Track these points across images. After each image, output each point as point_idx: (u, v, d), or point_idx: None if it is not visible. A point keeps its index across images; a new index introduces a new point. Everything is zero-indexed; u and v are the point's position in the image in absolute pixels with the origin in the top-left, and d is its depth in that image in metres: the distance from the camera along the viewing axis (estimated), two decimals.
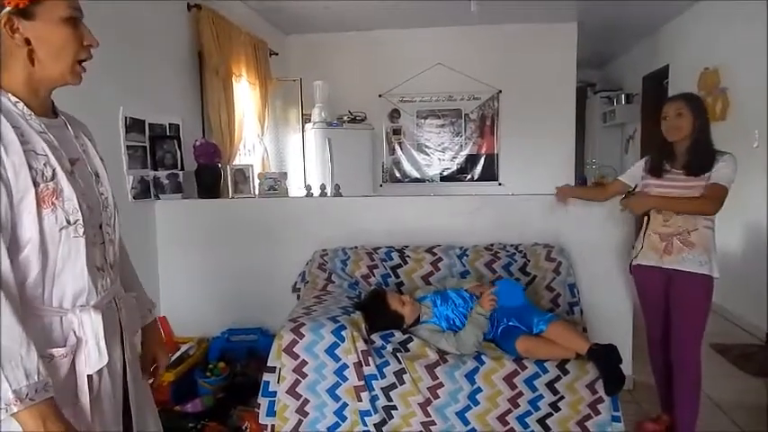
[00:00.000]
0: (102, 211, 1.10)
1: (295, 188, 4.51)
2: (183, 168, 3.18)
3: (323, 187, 3.79)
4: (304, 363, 2.12)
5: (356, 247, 2.90)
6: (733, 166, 2.19)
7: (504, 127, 5.52)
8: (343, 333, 2.12)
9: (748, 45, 3.86)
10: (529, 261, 2.74)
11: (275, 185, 3.33)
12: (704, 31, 4.59)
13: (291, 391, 2.12)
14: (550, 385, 2.08)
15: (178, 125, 3.19)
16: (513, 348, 2.15)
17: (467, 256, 2.78)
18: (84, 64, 1.07)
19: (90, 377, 1.04)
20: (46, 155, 0.99)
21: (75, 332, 1.02)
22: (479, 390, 2.09)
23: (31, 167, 0.96)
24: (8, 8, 0.95)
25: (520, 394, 2.09)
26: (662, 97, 5.40)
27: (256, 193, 3.37)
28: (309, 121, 4.98)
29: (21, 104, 1.00)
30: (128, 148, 2.81)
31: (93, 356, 1.03)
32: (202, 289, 3.12)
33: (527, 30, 5.30)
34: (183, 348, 2.77)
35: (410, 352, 2.18)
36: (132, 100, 2.84)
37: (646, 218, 2.44)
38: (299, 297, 2.83)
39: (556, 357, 2.10)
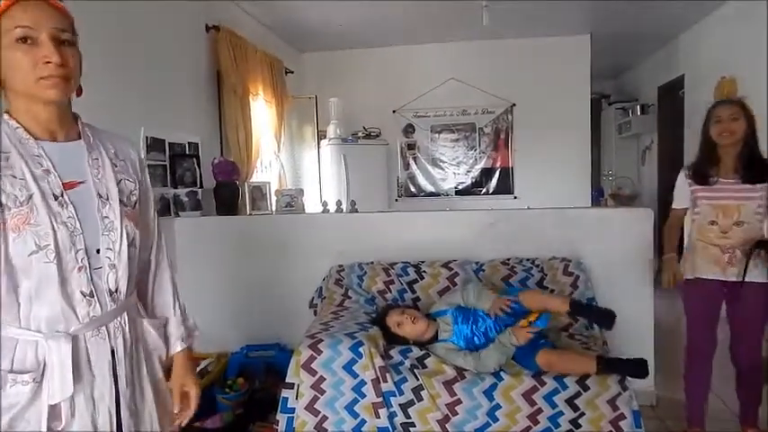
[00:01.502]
0: (103, 236, 1.07)
1: (311, 204, 4.55)
2: (201, 186, 3.23)
3: (339, 203, 3.83)
4: (322, 379, 2.13)
5: (372, 263, 2.91)
6: None
7: (519, 140, 5.53)
8: (361, 349, 2.13)
9: (765, 53, 3.82)
10: (546, 275, 2.72)
11: (292, 202, 3.37)
12: (719, 40, 4.56)
13: (310, 408, 2.13)
14: (570, 401, 2.06)
15: (197, 144, 3.26)
16: (533, 363, 2.13)
17: (483, 270, 2.77)
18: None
19: (57, 407, 1.01)
20: (24, 179, 0.99)
21: (45, 359, 1.00)
22: (498, 406, 2.07)
23: (3, 191, 0.97)
24: None
25: (539, 411, 2.06)
26: (678, 108, 5.37)
27: (274, 209, 3.42)
28: (325, 137, 5.04)
29: (20, 130, 1.03)
30: (149, 166, 2.86)
31: (56, 386, 1.00)
32: (221, 305, 3.15)
33: (540, 43, 5.32)
34: (203, 364, 2.80)
35: (428, 368, 2.18)
36: (153, 120, 2.91)
37: (692, 230, 2.39)
38: (315, 313, 2.85)
39: (578, 370, 2.08)
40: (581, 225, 2.91)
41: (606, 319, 2.22)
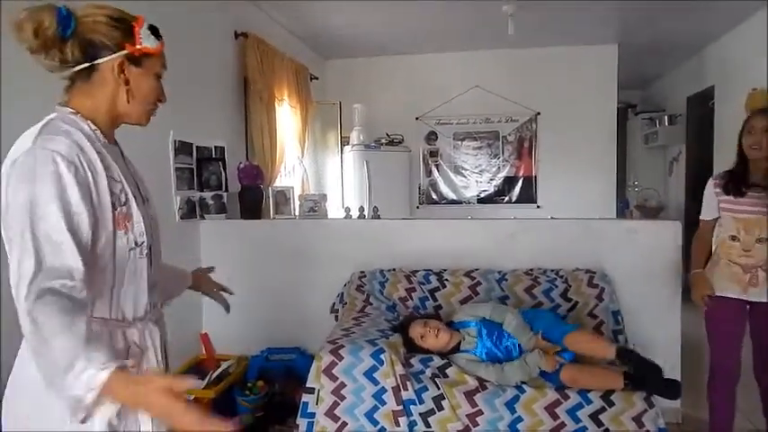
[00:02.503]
0: (153, 232, 1.18)
1: (334, 210, 4.57)
2: (227, 189, 3.28)
3: (361, 209, 3.84)
4: (342, 385, 2.13)
5: (394, 270, 2.91)
6: None
7: (543, 149, 5.47)
8: (382, 356, 2.13)
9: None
10: (570, 287, 2.68)
11: (315, 207, 3.39)
12: (750, 50, 4.45)
13: (330, 414, 2.13)
14: (594, 417, 2.02)
15: (223, 148, 3.31)
16: (556, 378, 2.10)
17: (506, 280, 2.75)
18: None
19: None
20: (121, 181, 1.08)
21: (136, 343, 1.11)
22: (520, 419, 2.05)
23: (112, 192, 1.05)
24: (125, 52, 1.08)
25: (562, 425, 2.03)
26: (707, 119, 5.26)
27: (297, 214, 3.45)
28: (348, 143, 5.07)
29: (98, 132, 1.09)
30: (176, 169, 2.93)
31: (153, 365, 1.14)
32: (243, 307, 3.14)
33: (566, 52, 5.27)
34: (224, 366, 2.82)
35: (449, 378, 2.17)
36: (181, 124, 2.96)
37: (715, 246, 2.32)
38: (337, 318, 2.85)
39: (602, 387, 2.04)
40: (606, 236, 2.86)
41: (652, 373, 2.03)
